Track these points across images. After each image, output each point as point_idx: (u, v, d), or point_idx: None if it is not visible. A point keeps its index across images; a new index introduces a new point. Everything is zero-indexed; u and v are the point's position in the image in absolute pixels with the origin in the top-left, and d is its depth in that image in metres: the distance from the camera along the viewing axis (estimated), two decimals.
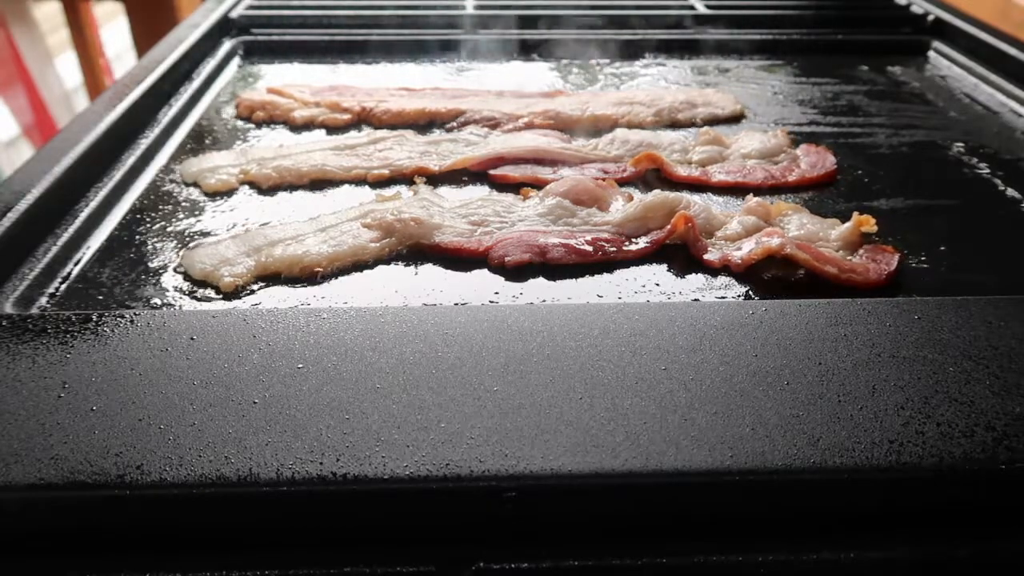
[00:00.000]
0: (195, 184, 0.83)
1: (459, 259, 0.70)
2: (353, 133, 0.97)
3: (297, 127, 0.99)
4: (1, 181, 0.74)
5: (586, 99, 1.05)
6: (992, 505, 0.45)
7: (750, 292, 0.66)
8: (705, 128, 0.96)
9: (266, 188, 0.83)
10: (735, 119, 1.04)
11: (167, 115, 0.98)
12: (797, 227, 0.74)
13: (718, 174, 0.86)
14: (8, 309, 0.61)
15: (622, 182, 0.84)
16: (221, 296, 0.65)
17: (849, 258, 0.70)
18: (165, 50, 1.10)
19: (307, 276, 0.67)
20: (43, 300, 0.64)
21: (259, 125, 1.00)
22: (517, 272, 0.68)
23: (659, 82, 1.17)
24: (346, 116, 1.00)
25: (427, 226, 0.72)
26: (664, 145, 0.91)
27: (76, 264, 0.69)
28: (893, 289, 0.67)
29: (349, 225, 0.73)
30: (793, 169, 0.87)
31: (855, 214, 0.73)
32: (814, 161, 0.89)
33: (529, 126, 0.97)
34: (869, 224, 0.72)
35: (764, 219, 0.75)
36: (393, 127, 0.98)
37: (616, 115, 1.00)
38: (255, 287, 0.66)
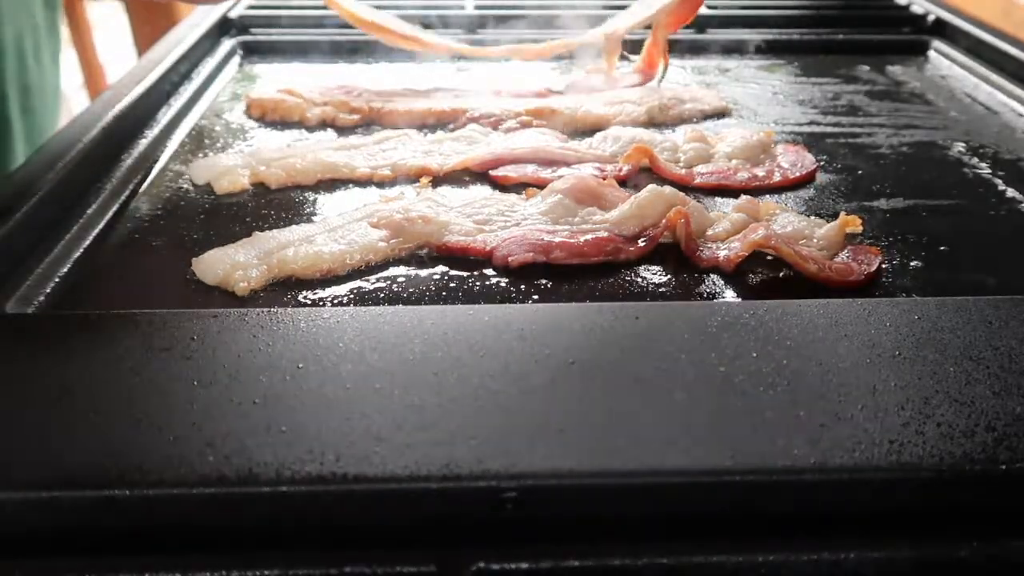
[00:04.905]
0: (206, 185, 0.83)
1: (464, 259, 0.70)
2: (361, 133, 0.97)
3: (312, 127, 0.99)
4: (2, 180, 0.74)
5: (580, 98, 1.05)
6: (992, 505, 0.45)
7: (746, 291, 0.66)
8: (692, 127, 0.97)
9: (274, 188, 0.83)
10: (720, 115, 1.04)
11: (167, 115, 0.98)
12: (783, 226, 0.74)
13: (702, 175, 0.86)
14: (8, 309, 0.61)
15: (619, 180, 0.84)
16: (237, 302, 0.64)
17: (835, 257, 0.70)
18: (165, 50, 1.10)
19: (318, 278, 0.67)
20: (43, 300, 0.64)
21: (269, 125, 1.00)
22: (520, 272, 0.68)
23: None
24: (355, 116, 1.00)
25: (436, 224, 0.72)
26: (656, 143, 0.91)
27: (76, 264, 0.69)
28: (890, 290, 0.67)
29: (357, 226, 0.73)
30: (775, 170, 0.87)
31: (842, 214, 0.73)
32: (794, 160, 0.89)
33: (525, 125, 0.97)
34: (855, 224, 0.72)
35: (753, 216, 0.75)
36: (400, 127, 0.98)
37: (609, 114, 1.00)
38: (265, 291, 0.66)
